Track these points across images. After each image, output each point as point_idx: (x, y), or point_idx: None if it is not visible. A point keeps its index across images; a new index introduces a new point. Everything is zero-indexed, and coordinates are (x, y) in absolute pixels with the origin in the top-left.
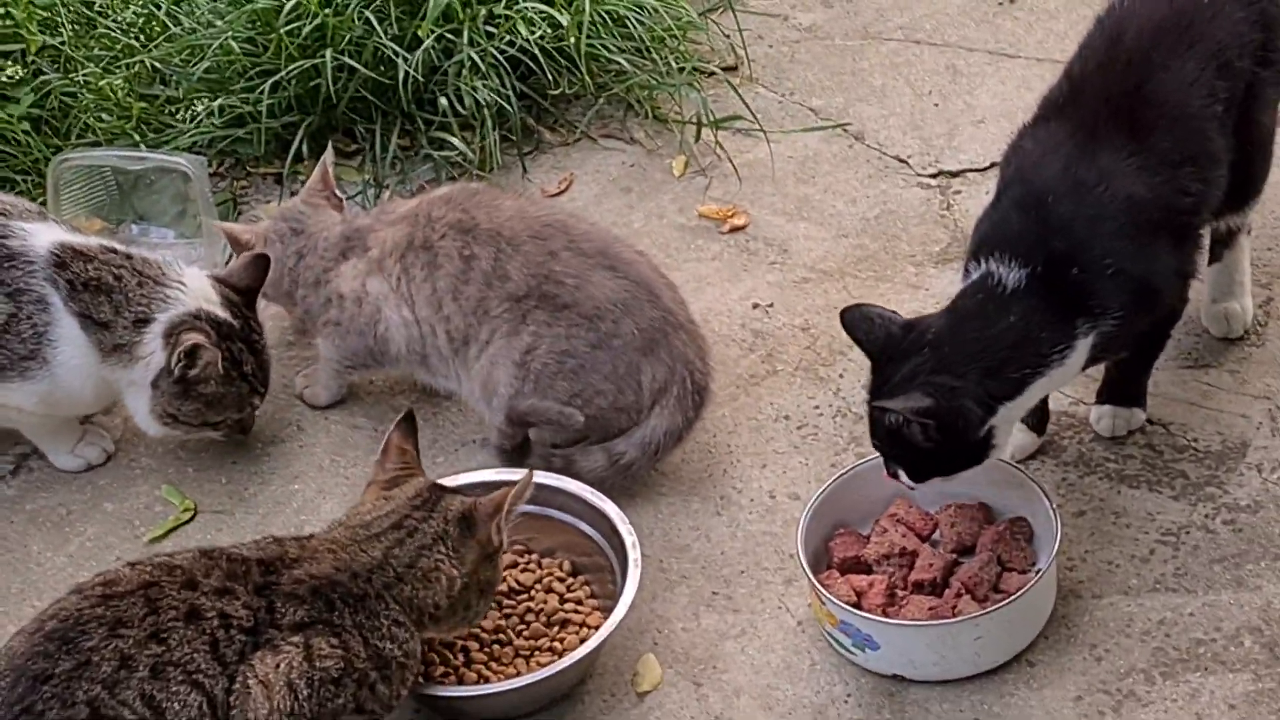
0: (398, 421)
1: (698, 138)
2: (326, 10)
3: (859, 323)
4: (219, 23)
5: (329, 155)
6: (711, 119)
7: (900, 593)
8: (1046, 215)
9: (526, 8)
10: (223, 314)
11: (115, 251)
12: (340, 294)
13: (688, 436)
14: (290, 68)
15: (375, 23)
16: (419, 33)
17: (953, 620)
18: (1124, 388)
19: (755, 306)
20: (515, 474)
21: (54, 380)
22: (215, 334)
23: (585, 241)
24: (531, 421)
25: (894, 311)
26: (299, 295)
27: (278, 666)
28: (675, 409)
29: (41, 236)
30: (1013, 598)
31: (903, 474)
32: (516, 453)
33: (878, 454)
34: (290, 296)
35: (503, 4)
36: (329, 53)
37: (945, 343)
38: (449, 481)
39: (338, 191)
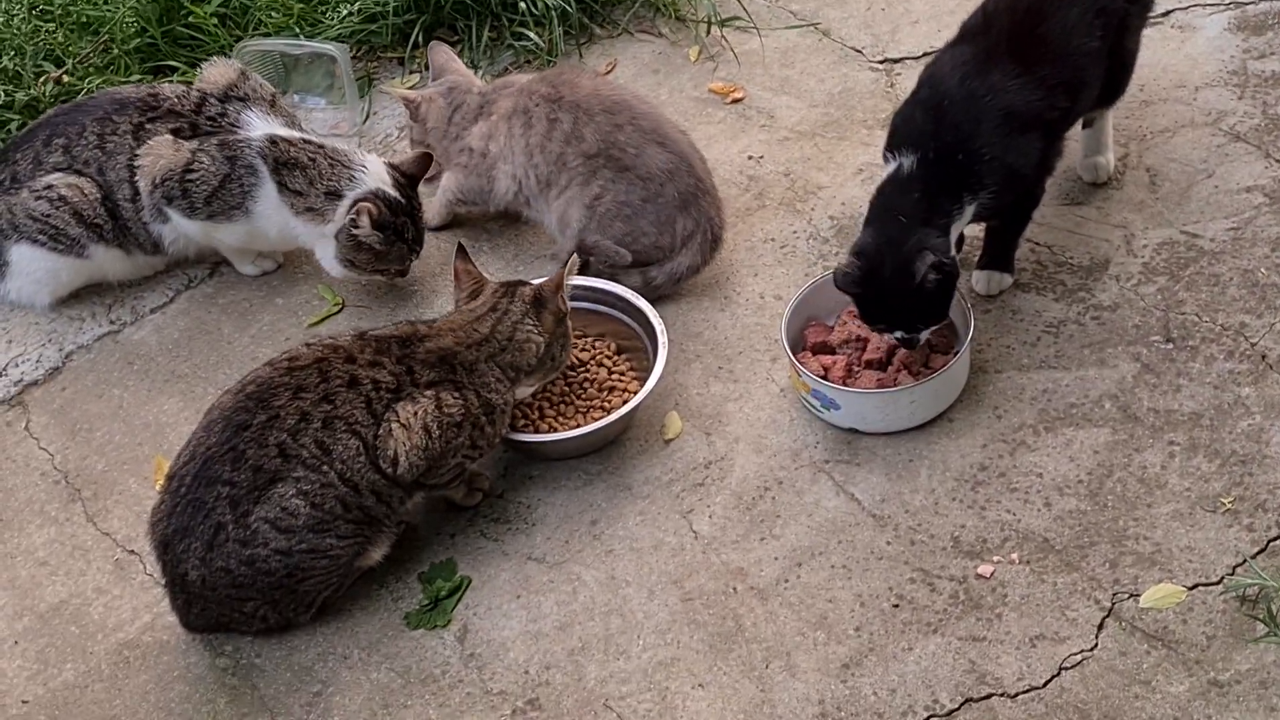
0: (455, 254)
1: (708, 33)
2: None
3: (843, 281)
4: None
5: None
6: (718, 19)
7: (856, 368)
8: (942, 115)
9: None
10: (394, 193)
11: (311, 142)
12: (470, 148)
13: (703, 271)
14: None
15: None
16: None
17: (894, 389)
18: (997, 256)
19: (749, 158)
20: (575, 279)
21: (251, 224)
22: (387, 209)
23: (644, 120)
24: (592, 255)
25: (849, 259)
26: (443, 145)
27: (416, 413)
28: (697, 251)
29: (260, 127)
30: (938, 372)
31: (925, 332)
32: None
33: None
34: (440, 142)
35: None
36: None
37: (906, 212)
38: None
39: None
